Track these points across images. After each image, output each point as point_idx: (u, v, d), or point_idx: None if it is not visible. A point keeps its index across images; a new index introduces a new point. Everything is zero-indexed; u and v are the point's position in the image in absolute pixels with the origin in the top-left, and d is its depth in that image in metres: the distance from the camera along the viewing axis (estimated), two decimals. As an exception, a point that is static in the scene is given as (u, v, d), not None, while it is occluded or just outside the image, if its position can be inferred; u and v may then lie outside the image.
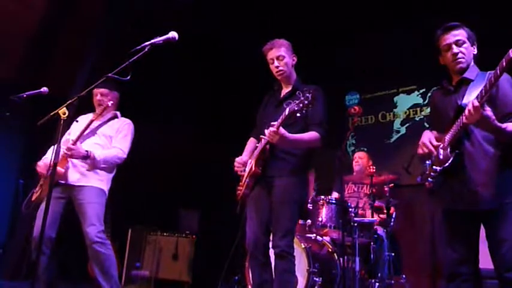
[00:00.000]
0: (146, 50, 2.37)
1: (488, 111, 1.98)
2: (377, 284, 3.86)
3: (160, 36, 2.41)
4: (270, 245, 2.81)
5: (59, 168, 2.91)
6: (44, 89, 2.90)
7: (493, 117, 1.99)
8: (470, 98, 2.08)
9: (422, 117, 5.32)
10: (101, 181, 3.19)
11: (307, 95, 2.51)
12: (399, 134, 5.49)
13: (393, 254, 4.07)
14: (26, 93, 2.85)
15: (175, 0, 5.06)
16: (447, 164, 2.15)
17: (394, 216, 4.18)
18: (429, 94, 5.23)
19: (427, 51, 2.77)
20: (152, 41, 2.39)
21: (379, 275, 3.98)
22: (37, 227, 2.98)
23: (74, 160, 3.12)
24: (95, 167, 3.15)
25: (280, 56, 2.89)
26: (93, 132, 3.26)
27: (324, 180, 4.38)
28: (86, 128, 3.14)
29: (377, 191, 4.30)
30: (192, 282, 5.20)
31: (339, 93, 5.82)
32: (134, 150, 3.39)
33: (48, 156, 3.23)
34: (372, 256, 3.99)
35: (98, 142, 3.24)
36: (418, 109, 5.37)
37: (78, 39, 5.32)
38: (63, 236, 3.14)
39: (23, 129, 5.45)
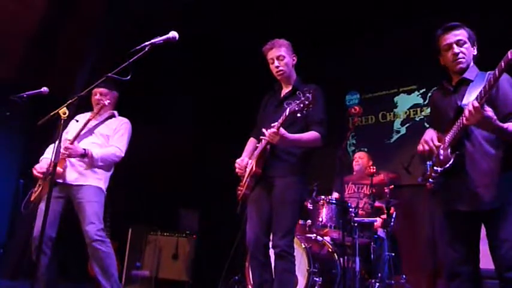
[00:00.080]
0: (146, 50, 2.37)
1: (489, 111, 1.97)
2: (377, 284, 3.87)
3: (160, 36, 2.41)
4: (270, 245, 2.81)
5: (58, 168, 2.91)
6: (44, 89, 2.90)
7: (495, 117, 1.99)
8: (470, 98, 2.08)
9: (422, 117, 5.31)
10: (99, 180, 3.19)
11: (308, 95, 2.51)
12: (399, 134, 5.48)
13: (393, 254, 4.06)
14: (26, 93, 2.85)
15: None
16: (448, 165, 2.15)
17: (394, 216, 4.18)
18: (429, 94, 5.22)
19: (427, 51, 2.76)
20: (152, 41, 2.39)
21: (379, 275, 3.99)
22: (37, 226, 2.98)
23: (72, 159, 3.12)
24: (92, 166, 3.15)
25: (280, 56, 2.89)
26: (91, 132, 3.26)
27: (324, 180, 4.37)
28: (83, 128, 3.15)
29: (377, 191, 4.30)
30: (192, 282, 5.20)
31: (339, 93, 5.81)
32: (134, 150, 3.39)
33: (46, 156, 3.24)
34: (372, 256, 4.00)
35: (95, 141, 3.24)
36: (418, 109, 5.36)
37: (78, 39, 5.32)
38: (63, 235, 3.14)
39: (23, 129, 5.44)
